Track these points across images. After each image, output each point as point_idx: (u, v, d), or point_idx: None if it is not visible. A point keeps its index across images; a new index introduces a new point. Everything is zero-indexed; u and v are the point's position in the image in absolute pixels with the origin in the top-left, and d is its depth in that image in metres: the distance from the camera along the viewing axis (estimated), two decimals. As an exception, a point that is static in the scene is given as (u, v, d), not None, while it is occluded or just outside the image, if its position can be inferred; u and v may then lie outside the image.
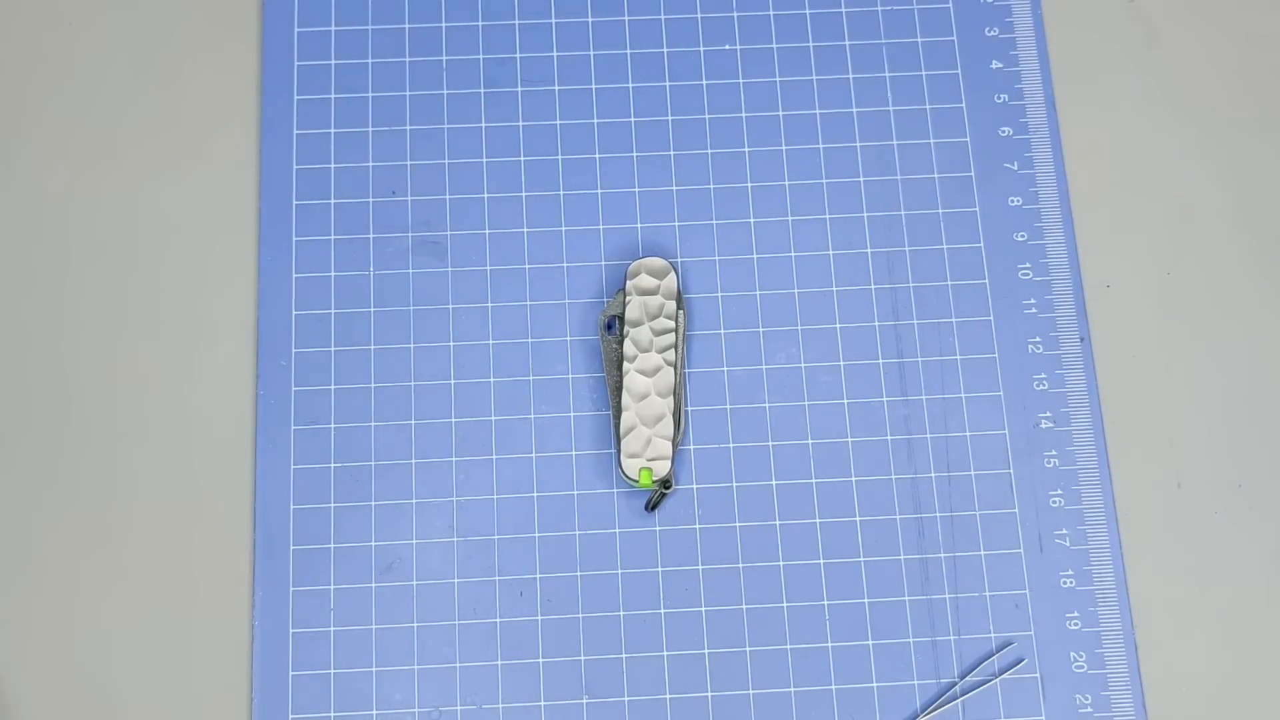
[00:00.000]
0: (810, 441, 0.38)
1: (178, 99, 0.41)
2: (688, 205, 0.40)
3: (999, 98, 0.41)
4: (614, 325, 0.38)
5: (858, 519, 0.37)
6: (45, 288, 0.39)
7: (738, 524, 0.37)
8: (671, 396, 0.37)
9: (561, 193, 0.40)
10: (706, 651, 0.36)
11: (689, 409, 0.38)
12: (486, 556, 0.37)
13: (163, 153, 0.40)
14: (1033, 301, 0.39)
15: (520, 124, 0.40)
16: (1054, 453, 0.38)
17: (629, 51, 0.41)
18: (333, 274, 0.39)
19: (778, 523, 0.37)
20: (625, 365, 0.37)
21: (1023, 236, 0.40)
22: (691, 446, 0.38)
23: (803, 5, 0.42)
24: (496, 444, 0.37)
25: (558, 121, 0.40)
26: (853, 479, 0.37)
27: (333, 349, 0.38)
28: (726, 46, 0.41)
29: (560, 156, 0.40)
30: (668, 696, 0.35)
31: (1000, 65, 0.41)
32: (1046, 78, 0.41)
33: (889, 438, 0.38)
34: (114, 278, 0.39)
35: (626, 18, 0.41)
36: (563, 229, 0.39)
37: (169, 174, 0.40)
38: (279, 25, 0.41)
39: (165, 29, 0.41)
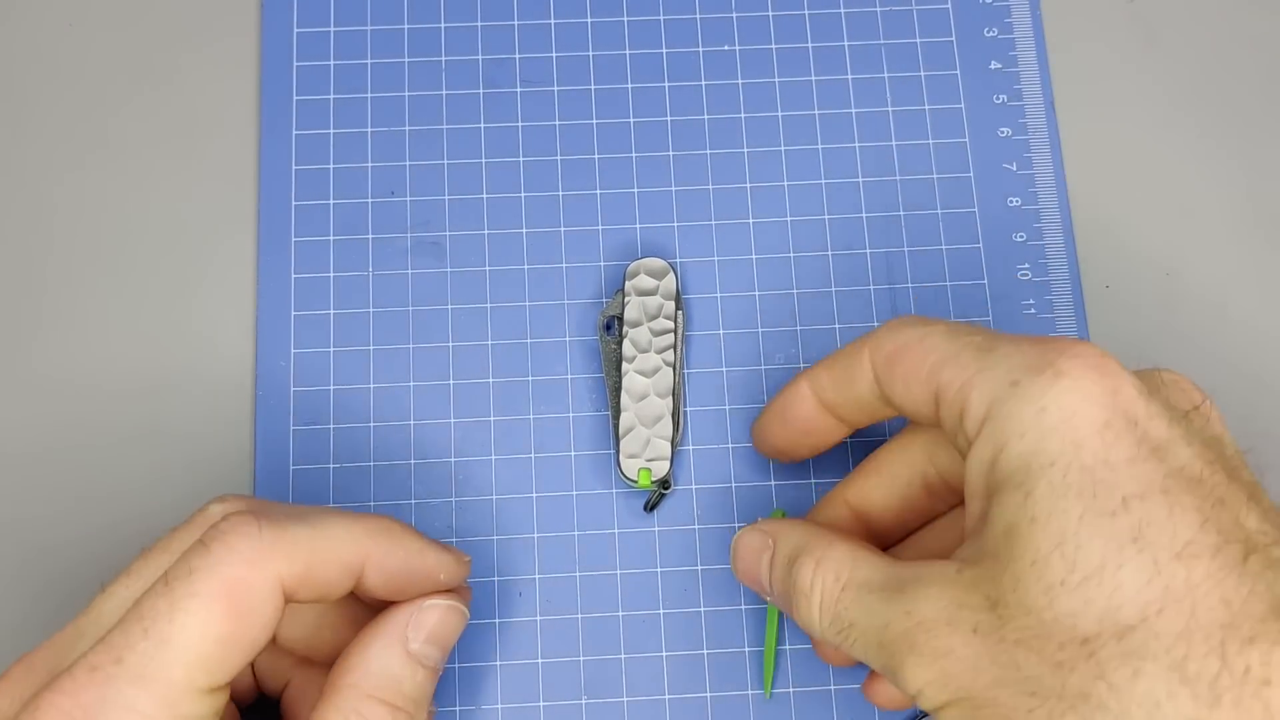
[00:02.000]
0: (809, 442, 0.38)
1: (177, 99, 0.41)
2: (687, 206, 0.40)
3: (998, 98, 0.41)
4: (613, 326, 0.38)
5: (856, 519, 0.37)
6: (44, 288, 0.39)
7: (737, 524, 0.37)
8: (670, 397, 0.37)
9: (560, 193, 0.40)
10: (705, 652, 0.36)
11: (688, 409, 0.38)
12: (485, 557, 0.37)
13: (162, 153, 0.40)
14: (1032, 302, 0.39)
15: (519, 124, 0.40)
16: (1053, 453, 0.38)
17: (628, 52, 0.41)
18: (331, 274, 0.39)
19: (776, 523, 0.37)
20: (624, 366, 0.37)
21: (1022, 237, 0.40)
22: (690, 447, 0.38)
23: (802, 6, 0.42)
24: (495, 444, 0.37)
25: (557, 122, 0.40)
26: (851, 479, 0.37)
27: (331, 349, 0.38)
28: (725, 47, 0.41)
29: (559, 157, 0.40)
30: (667, 697, 0.35)
31: (999, 66, 0.41)
32: (1045, 78, 0.41)
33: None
34: (113, 278, 0.39)
35: (626, 18, 0.41)
36: (561, 229, 0.39)
37: (168, 174, 0.40)
38: (278, 26, 0.41)
39: (165, 30, 0.42)
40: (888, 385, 0.30)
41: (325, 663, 0.32)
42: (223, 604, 0.26)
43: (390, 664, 0.29)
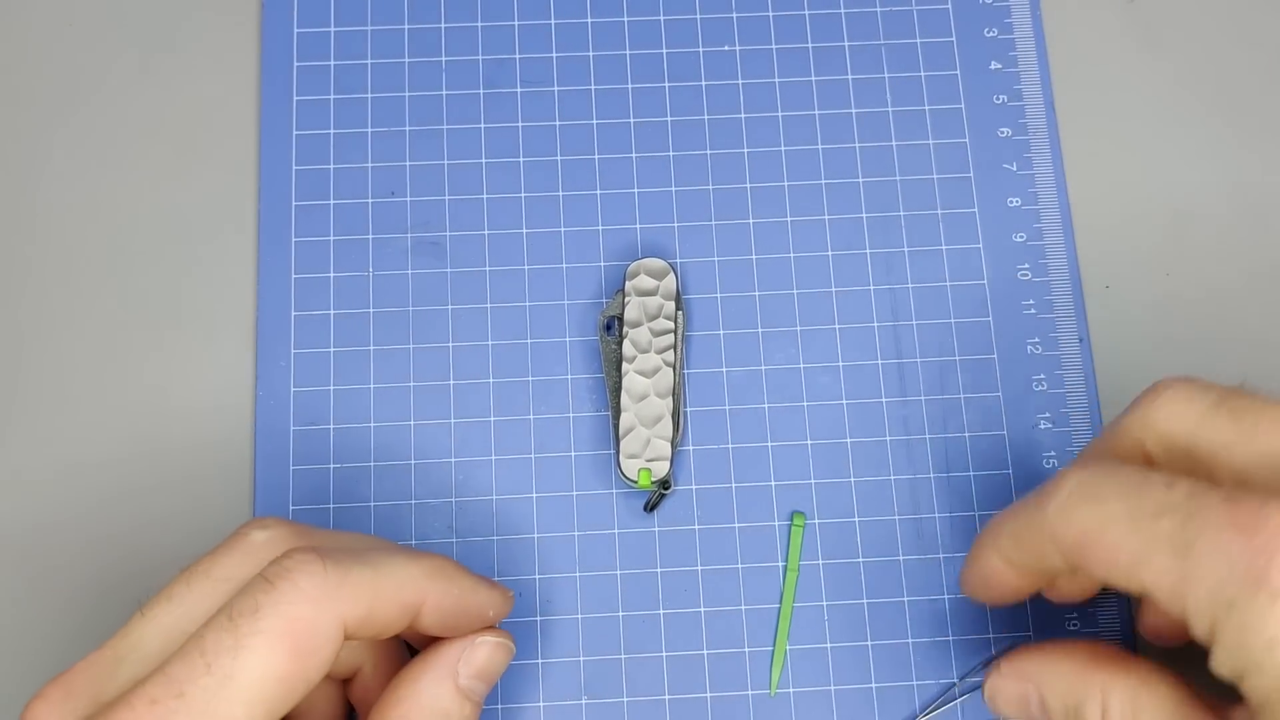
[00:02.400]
0: (809, 442, 0.38)
1: (177, 100, 0.41)
2: (687, 206, 0.40)
3: (998, 99, 0.41)
4: (613, 326, 0.38)
5: (856, 519, 0.37)
6: (44, 289, 0.39)
7: (736, 525, 0.37)
8: (670, 397, 0.37)
9: (561, 193, 0.40)
10: (705, 652, 0.36)
11: (688, 409, 0.38)
12: (486, 557, 0.37)
13: (162, 153, 0.40)
14: (1031, 302, 0.39)
15: (519, 125, 0.40)
16: (1053, 454, 0.38)
17: (628, 52, 0.41)
18: (332, 274, 0.39)
19: (776, 523, 0.37)
20: (624, 366, 0.37)
21: (1021, 237, 0.40)
22: (690, 447, 0.38)
23: (802, 6, 0.42)
24: (495, 444, 0.37)
25: (557, 122, 0.40)
26: (851, 479, 0.37)
27: (332, 350, 0.38)
28: (726, 47, 0.41)
29: (559, 157, 0.40)
30: (667, 697, 0.36)
31: (999, 66, 0.41)
32: (1045, 79, 0.41)
33: (888, 438, 0.38)
34: (112, 278, 0.39)
35: (626, 19, 0.41)
36: (562, 230, 0.39)
37: (168, 174, 0.40)
38: (278, 26, 0.41)
39: (165, 30, 0.42)
40: (1088, 572, 0.27)
41: (334, 679, 0.32)
42: (287, 643, 0.26)
43: (440, 698, 0.29)
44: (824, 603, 0.36)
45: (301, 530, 0.30)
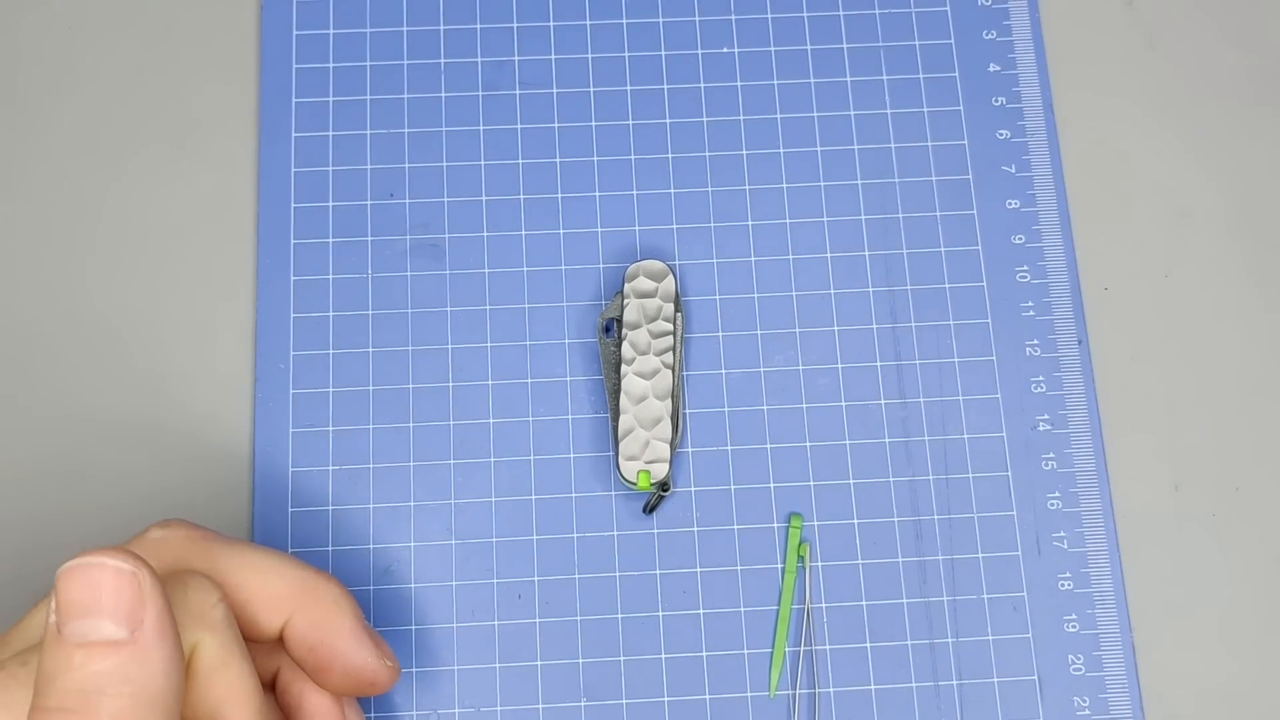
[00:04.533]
0: (808, 444, 0.38)
1: (176, 102, 0.41)
2: (686, 208, 0.40)
3: (996, 100, 0.41)
4: (612, 328, 0.38)
5: (855, 521, 0.37)
6: (43, 290, 0.39)
7: (735, 526, 0.37)
8: (670, 399, 0.37)
9: (560, 195, 0.40)
10: (704, 654, 0.36)
11: (687, 411, 0.38)
12: (485, 559, 0.37)
13: (161, 156, 0.40)
14: (1030, 304, 0.39)
15: (518, 127, 0.40)
16: (1052, 455, 0.38)
17: (627, 54, 0.41)
18: (331, 276, 0.39)
19: (775, 525, 0.37)
20: (623, 368, 0.37)
21: (1020, 239, 0.40)
22: (689, 449, 0.38)
23: (800, 8, 0.42)
24: (495, 446, 0.37)
25: (555, 124, 0.40)
26: (850, 481, 0.37)
27: (331, 351, 0.38)
28: (724, 49, 0.41)
29: (558, 159, 0.40)
30: (666, 699, 0.36)
31: (998, 68, 0.41)
32: (1044, 81, 0.41)
33: (887, 440, 0.38)
34: (112, 280, 0.39)
35: (625, 20, 0.41)
36: (561, 231, 0.39)
37: (167, 177, 0.40)
38: (277, 28, 0.41)
39: (164, 32, 0.42)
40: None
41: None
42: None
43: None
44: (823, 605, 0.36)
45: (201, 533, 0.31)
